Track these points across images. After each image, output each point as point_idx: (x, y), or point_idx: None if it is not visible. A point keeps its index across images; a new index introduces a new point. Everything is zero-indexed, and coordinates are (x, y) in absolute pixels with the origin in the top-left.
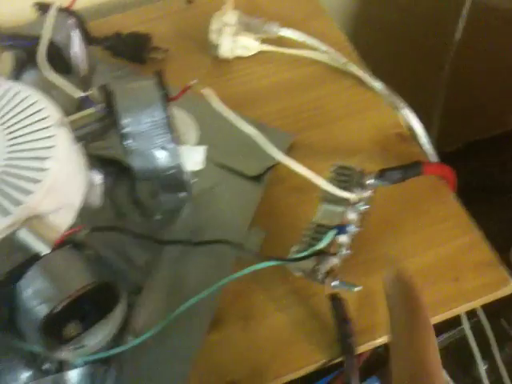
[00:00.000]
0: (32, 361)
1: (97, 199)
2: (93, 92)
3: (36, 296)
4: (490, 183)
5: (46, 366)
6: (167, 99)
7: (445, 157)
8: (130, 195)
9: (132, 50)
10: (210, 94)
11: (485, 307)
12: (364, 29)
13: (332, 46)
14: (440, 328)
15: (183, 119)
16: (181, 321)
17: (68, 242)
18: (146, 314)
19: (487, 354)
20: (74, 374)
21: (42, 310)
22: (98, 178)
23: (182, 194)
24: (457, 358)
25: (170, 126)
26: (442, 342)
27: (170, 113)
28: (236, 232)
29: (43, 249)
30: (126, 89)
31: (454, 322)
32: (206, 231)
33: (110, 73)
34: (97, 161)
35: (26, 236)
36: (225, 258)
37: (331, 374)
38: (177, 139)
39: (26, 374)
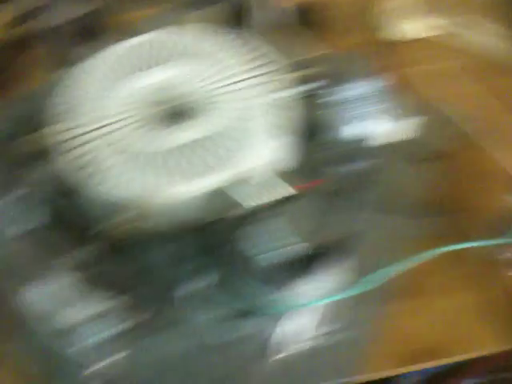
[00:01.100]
0: None
1: (288, 160)
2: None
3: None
4: None
5: None
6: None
7: None
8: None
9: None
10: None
11: None
12: None
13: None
14: None
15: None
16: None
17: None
18: None
19: None
20: None
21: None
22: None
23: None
24: None
25: (383, 98)
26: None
27: (384, 85)
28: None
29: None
30: (343, 57)
31: None
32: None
33: None
34: None
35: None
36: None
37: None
38: (389, 111)
39: None
